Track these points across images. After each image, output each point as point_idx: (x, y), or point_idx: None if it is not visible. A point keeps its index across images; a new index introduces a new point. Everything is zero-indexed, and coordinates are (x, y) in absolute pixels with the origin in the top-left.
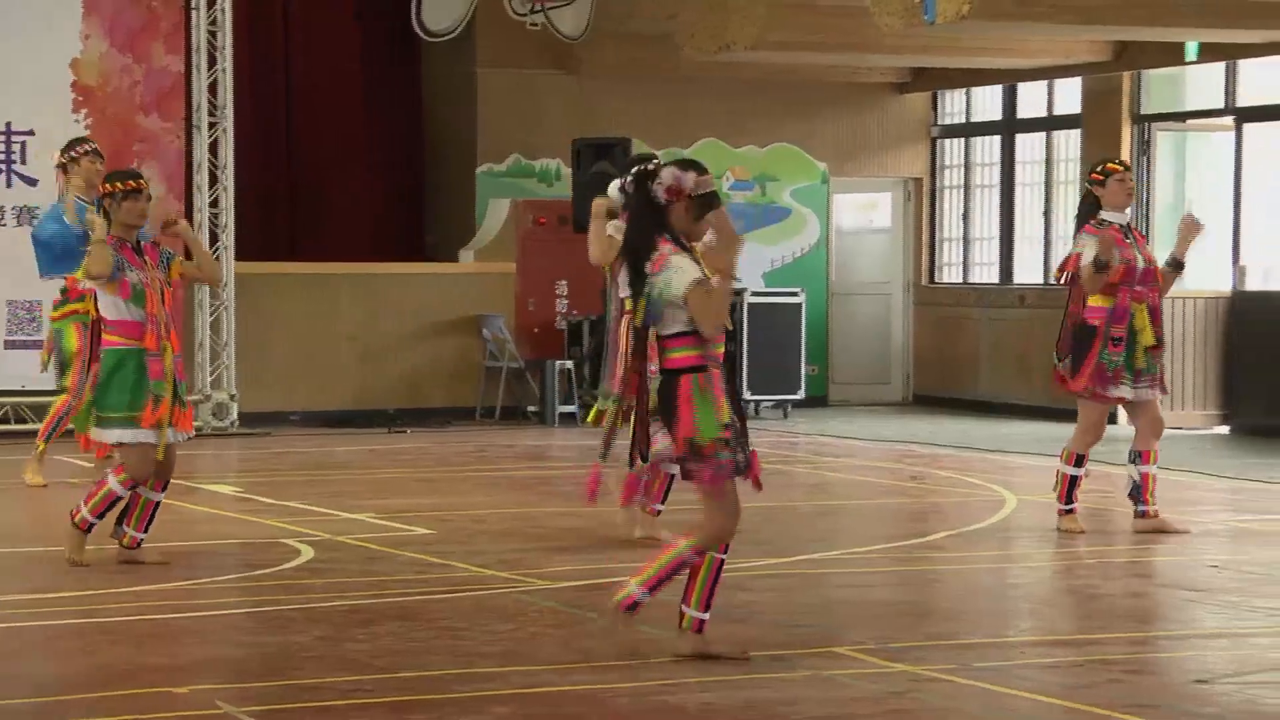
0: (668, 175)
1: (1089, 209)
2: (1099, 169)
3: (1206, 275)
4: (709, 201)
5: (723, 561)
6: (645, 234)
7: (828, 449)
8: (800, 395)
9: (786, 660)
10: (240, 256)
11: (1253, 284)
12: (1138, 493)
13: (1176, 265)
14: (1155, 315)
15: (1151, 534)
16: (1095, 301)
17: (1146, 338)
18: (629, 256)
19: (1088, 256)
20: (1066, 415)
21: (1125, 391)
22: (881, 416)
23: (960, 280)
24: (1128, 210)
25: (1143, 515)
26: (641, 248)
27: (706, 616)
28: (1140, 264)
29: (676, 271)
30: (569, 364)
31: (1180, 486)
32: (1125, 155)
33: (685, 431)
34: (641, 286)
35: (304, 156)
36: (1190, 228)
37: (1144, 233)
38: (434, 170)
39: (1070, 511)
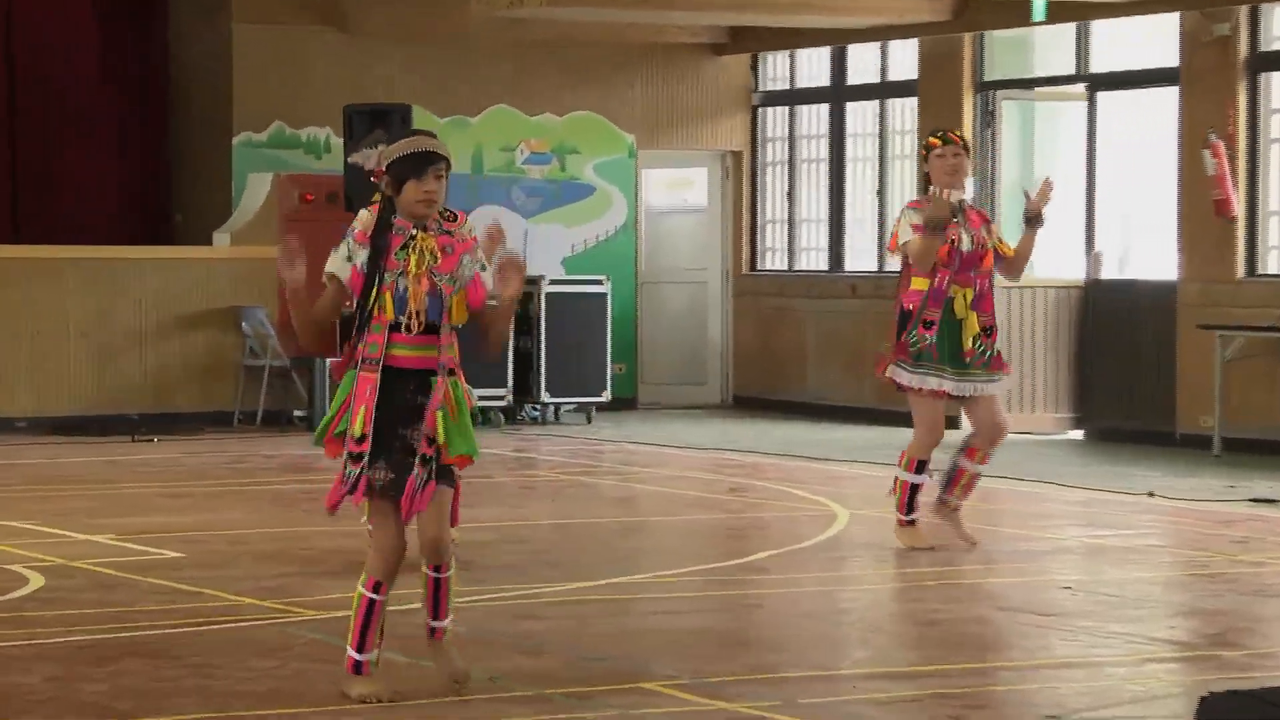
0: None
1: (924, 188)
2: (925, 143)
3: (1057, 263)
4: (401, 169)
5: (372, 603)
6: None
7: (636, 458)
8: (605, 397)
9: (588, 699)
10: None
11: (1108, 272)
12: (947, 481)
13: (1032, 219)
14: (984, 301)
15: (941, 533)
16: (916, 284)
17: (972, 324)
18: None
19: (905, 234)
20: (903, 419)
21: (939, 383)
22: (697, 421)
23: (785, 267)
24: (965, 188)
25: (943, 504)
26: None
27: (360, 656)
28: (966, 245)
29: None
30: None
31: (1029, 498)
32: (966, 126)
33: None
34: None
35: (29, 124)
36: (1046, 187)
37: (988, 213)
38: (182, 140)
39: (911, 523)
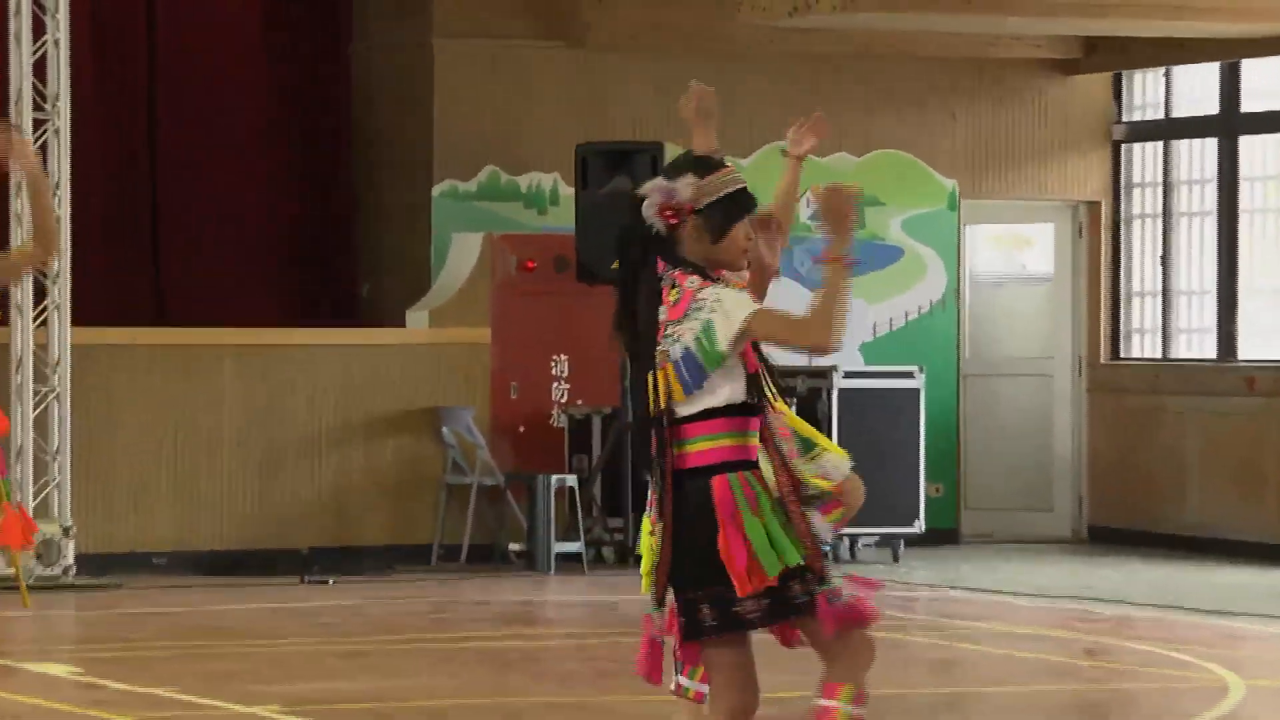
0: (655, 192)
1: None
2: None
3: None
4: (733, 208)
5: None
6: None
7: (958, 608)
8: (918, 528)
9: None
10: (80, 320)
11: None
12: None
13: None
14: None
15: None
16: None
17: None
18: (624, 322)
19: None
20: None
21: None
22: (1040, 559)
23: (1158, 355)
24: None
25: None
26: (643, 302)
27: None
28: None
29: (717, 304)
30: (570, 480)
31: None
32: None
33: (740, 567)
34: (650, 359)
35: (175, 171)
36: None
37: None
38: (369, 190)
39: None
